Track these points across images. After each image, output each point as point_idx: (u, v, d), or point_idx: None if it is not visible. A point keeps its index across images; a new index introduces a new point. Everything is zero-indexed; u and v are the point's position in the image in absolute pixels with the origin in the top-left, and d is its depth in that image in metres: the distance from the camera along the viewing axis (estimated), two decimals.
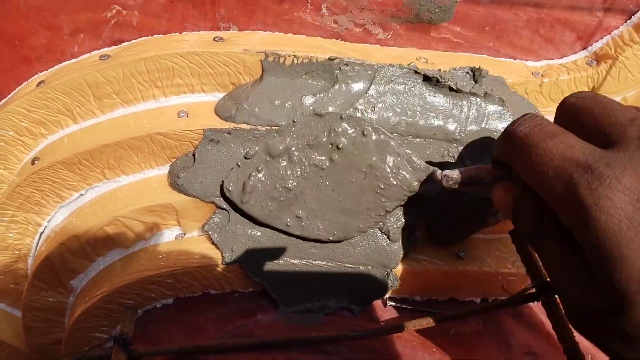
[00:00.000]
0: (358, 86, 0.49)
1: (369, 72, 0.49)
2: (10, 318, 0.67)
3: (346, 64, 0.49)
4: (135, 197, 0.51)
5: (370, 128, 0.47)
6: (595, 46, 0.56)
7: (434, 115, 0.50)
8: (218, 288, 0.55)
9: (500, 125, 0.51)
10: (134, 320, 0.50)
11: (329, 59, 0.49)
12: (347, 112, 0.47)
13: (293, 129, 0.46)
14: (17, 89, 0.55)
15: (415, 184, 0.47)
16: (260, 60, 0.49)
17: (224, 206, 0.51)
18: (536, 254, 0.40)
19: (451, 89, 0.50)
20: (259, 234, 0.52)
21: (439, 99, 0.51)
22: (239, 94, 0.50)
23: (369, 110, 0.49)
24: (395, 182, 0.46)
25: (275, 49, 0.49)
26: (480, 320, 0.57)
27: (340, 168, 0.47)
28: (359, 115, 0.48)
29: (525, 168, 0.32)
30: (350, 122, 0.46)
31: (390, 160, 0.46)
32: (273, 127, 0.49)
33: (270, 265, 0.52)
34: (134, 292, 0.52)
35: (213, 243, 0.52)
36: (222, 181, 0.48)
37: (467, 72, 0.51)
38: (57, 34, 0.51)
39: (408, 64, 0.50)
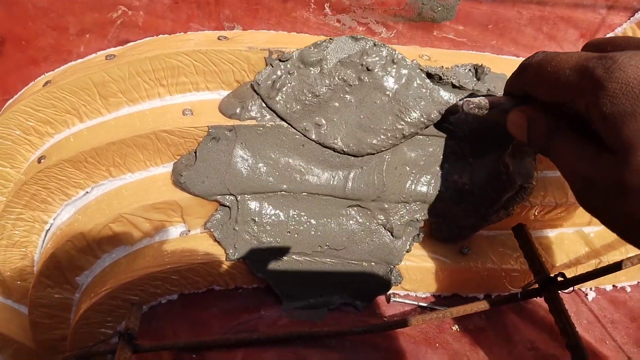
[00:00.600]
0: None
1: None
2: (16, 314, 0.67)
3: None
4: (140, 195, 0.52)
5: (400, 56, 0.48)
6: None
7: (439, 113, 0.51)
8: (222, 284, 0.55)
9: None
10: (139, 315, 0.50)
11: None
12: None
13: (329, 45, 0.48)
14: (24, 89, 0.56)
15: (435, 114, 0.49)
16: (265, 57, 0.49)
17: (227, 203, 0.51)
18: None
19: (454, 86, 0.50)
20: (261, 230, 0.52)
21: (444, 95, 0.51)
22: (243, 91, 0.51)
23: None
24: (415, 109, 0.49)
25: (279, 47, 0.49)
26: (483, 315, 0.57)
27: (367, 88, 0.49)
28: None
29: (543, 81, 0.36)
30: (383, 48, 0.48)
31: (414, 88, 0.49)
32: (277, 122, 0.49)
33: (274, 262, 0.53)
34: (139, 288, 0.53)
35: (216, 240, 0.53)
36: (254, 76, 0.50)
37: (470, 70, 0.51)
38: (64, 35, 0.52)
39: (411, 62, 0.50)
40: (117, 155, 0.51)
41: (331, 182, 0.51)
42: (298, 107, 0.49)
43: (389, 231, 0.53)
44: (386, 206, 0.53)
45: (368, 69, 0.48)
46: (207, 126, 0.49)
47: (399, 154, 0.52)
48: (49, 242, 0.56)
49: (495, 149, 0.52)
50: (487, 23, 0.55)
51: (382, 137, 0.50)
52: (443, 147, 0.52)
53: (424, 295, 0.59)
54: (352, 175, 0.51)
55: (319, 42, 0.48)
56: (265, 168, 0.50)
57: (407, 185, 0.53)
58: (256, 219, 0.51)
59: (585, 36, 0.57)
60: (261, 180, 0.50)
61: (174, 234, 0.55)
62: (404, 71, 0.49)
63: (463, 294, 0.59)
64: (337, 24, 0.53)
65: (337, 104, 0.50)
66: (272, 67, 0.49)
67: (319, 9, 0.52)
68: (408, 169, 0.53)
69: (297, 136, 0.50)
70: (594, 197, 0.32)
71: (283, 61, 0.48)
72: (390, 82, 0.49)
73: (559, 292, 0.46)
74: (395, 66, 0.48)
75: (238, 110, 0.50)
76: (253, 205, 0.51)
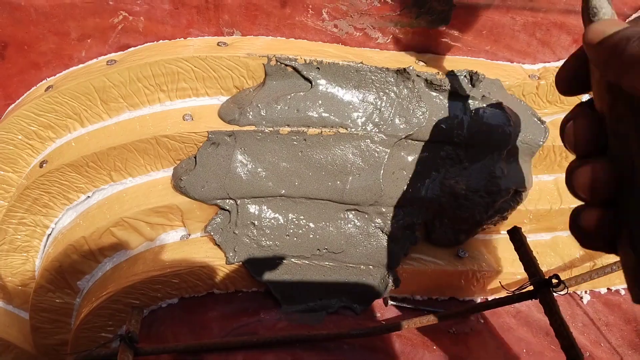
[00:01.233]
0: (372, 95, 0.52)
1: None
2: (17, 319, 0.68)
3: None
4: (141, 199, 0.52)
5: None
6: None
7: (435, 118, 0.52)
8: (222, 288, 0.56)
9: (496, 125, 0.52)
10: (140, 319, 0.51)
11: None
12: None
13: None
14: (26, 94, 0.57)
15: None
16: (263, 64, 0.50)
17: (227, 207, 0.52)
18: None
19: (450, 93, 0.51)
20: (260, 233, 0.53)
21: (441, 102, 0.52)
22: (242, 97, 0.51)
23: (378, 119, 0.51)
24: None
25: (277, 53, 0.50)
26: (480, 318, 0.58)
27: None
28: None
29: None
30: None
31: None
32: (276, 128, 0.50)
33: (273, 265, 0.53)
34: (140, 292, 0.53)
35: (216, 244, 0.53)
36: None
37: (465, 76, 0.52)
38: (65, 40, 0.53)
39: (407, 67, 0.51)
40: (119, 159, 0.52)
41: (329, 187, 0.52)
42: None
43: (387, 234, 0.54)
44: (384, 210, 0.53)
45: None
46: (207, 131, 0.50)
47: (396, 159, 0.53)
48: (51, 247, 0.57)
49: (491, 154, 0.53)
50: (481, 29, 0.55)
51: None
52: (439, 152, 0.53)
53: (421, 299, 0.60)
54: (350, 179, 0.52)
55: None
56: (264, 173, 0.51)
57: (404, 190, 0.53)
58: (256, 222, 0.52)
59: (578, 42, 0.58)
60: (260, 184, 0.51)
61: (174, 237, 0.55)
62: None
63: (460, 296, 0.60)
64: (334, 30, 0.54)
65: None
66: None
67: (316, 14, 0.53)
68: (405, 173, 0.54)
69: (295, 142, 0.51)
70: None
71: None
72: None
73: (554, 294, 0.46)
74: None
75: (237, 116, 0.50)
76: (253, 209, 0.52)
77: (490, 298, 0.60)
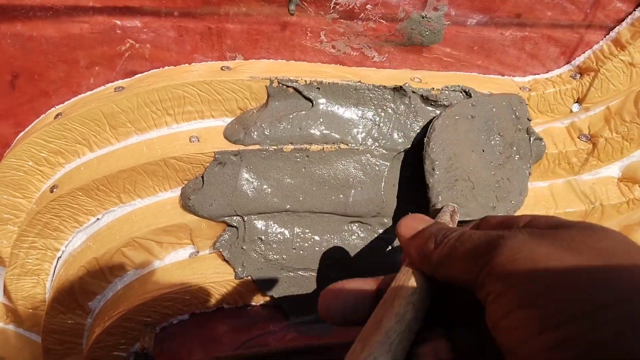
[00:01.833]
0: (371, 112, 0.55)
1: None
2: (28, 342, 0.69)
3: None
4: (151, 219, 0.54)
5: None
6: (578, 60, 0.60)
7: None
8: (231, 302, 0.57)
9: None
10: (153, 336, 0.52)
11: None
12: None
13: None
14: (35, 121, 0.59)
15: None
16: (266, 86, 0.52)
17: (234, 224, 0.54)
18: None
19: (446, 107, 0.53)
20: (267, 248, 0.54)
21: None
22: (246, 118, 0.53)
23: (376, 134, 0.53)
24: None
25: (279, 75, 0.52)
26: None
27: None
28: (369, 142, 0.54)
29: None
30: None
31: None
32: (279, 147, 0.52)
33: (281, 278, 0.55)
34: (152, 309, 0.54)
35: (224, 260, 0.55)
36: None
37: (460, 92, 0.55)
38: (74, 68, 0.55)
39: (403, 84, 0.53)
40: (128, 182, 0.54)
41: (333, 201, 0.54)
42: None
43: (390, 245, 0.56)
44: (385, 221, 0.55)
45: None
46: (214, 152, 0.52)
47: (395, 171, 0.55)
48: (62, 269, 0.58)
49: None
50: (472, 45, 0.58)
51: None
52: None
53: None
54: (352, 193, 0.54)
55: None
56: (270, 189, 0.53)
57: (405, 201, 0.55)
58: (263, 237, 0.54)
59: (566, 53, 0.60)
60: (266, 200, 0.53)
61: (183, 255, 0.57)
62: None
63: None
64: (332, 50, 0.57)
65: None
66: None
67: (315, 36, 0.55)
68: (405, 185, 0.56)
69: (298, 159, 0.53)
70: None
71: None
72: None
73: None
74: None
75: (242, 136, 0.52)
76: (259, 224, 0.54)
77: None
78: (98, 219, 0.58)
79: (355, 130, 0.54)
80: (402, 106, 0.54)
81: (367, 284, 0.32)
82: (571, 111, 0.60)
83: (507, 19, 0.56)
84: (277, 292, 0.55)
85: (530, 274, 0.23)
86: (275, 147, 0.52)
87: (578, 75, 0.59)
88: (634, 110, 0.57)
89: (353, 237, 0.56)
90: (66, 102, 0.57)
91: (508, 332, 0.23)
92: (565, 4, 0.56)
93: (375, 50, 0.57)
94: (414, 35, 0.56)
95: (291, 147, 0.52)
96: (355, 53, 0.57)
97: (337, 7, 0.52)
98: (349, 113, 0.54)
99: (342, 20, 0.54)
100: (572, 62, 0.61)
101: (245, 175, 0.52)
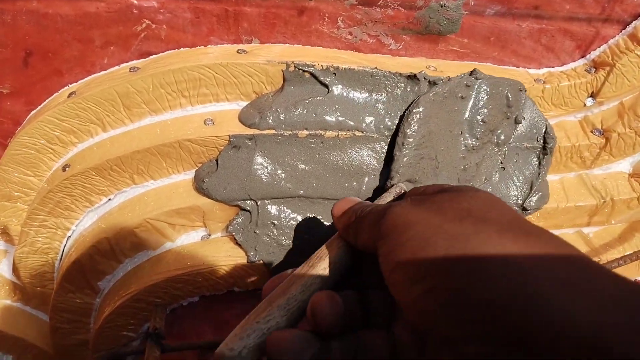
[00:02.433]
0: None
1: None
2: (35, 320, 0.69)
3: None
4: (164, 200, 0.54)
5: None
6: (594, 54, 0.60)
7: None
8: (242, 286, 0.57)
9: None
10: (164, 316, 0.52)
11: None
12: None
13: None
14: (47, 100, 0.58)
15: None
16: (282, 70, 0.52)
17: (247, 208, 0.54)
18: None
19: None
20: (280, 233, 0.54)
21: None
22: (261, 102, 0.53)
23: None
24: None
25: (295, 59, 0.52)
26: None
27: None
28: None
29: None
30: None
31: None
32: (294, 132, 0.52)
33: (292, 263, 0.55)
34: (163, 290, 0.55)
35: (237, 243, 0.55)
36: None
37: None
38: (89, 47, 0.54)
39: (417, 72, 0.53)
40: (142, 163, 0.53)
41: (346, 187, 0.54)
42: None
43: None
44: None
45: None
46: (229, 135, 0.52)
47: None
48: (72, 248, 0.58)
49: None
50: (489, 36, 0.58)
51: None
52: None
53: None
54: (366, 180, 0.54)
55: None
56: (283, 174, 0.53)
57: None
58: (276, 222, 0.54)
59: (581, 47, 0.60)
60: (280, 186, 0.53)
61: (195, 238, 0.57)
62: None
63: None
64: (349, 37, 0.56)
65: None
66: None
67: (332, 22, 0.55)
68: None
69: (312, 145, 0.53)
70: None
71: None
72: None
73: None
74: None
75: (257, 120, 0.52)
76: (273, 209, 0.54)
77: None
78: (110, 199, 0.58)
79: (369, 117, 0.53)
80: (412, 94, 0.54)
81: None
82: (585, 105, 0.60)
83: (525, 10, 0.56)
84: None
85: (403, 235, 0.27)
86: (290, 132, 0.52)
87: (593, 70, 0.59)
88: None
89: None
90: (79, 81, 0.57)
91: (394, 287, 0.27)
92: None
93: (392, 38, 0.57)
94: (432, 24, 0.55)
95: (306, 132, 0.52)
96: (371, 40, 0.57)
97: None
98: (364, 100, 0.54)
99: (360, 6, 0.53)
100: (588, 56, 0.61)
101: (260, 160, 0.52)
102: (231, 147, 0.52)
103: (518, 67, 0.61)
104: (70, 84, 0.57)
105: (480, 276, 0.23)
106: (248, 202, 0.53)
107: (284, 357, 0.28)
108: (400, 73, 0.53)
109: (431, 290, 0.24)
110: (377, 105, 0.54)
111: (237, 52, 0.54)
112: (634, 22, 0.57)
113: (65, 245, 0.61)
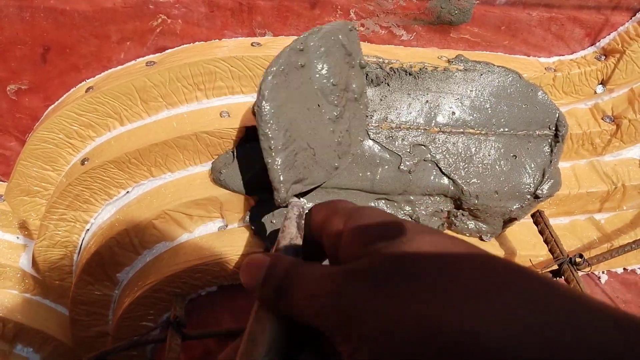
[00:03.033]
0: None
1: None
2: (54, 313, 0.70)
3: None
4: (182, 192, 0.55)
5: None
6: (603, 42, 0.60)
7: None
8: None
9: None
10: (183, 305, 0.53)
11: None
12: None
13: None
14: (65, 95, 0.59)
15: None
16: None
17: (264, 198, 0.55)
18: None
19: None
20: None
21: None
22: None
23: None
24: None
25: None
26: None
27: None
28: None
29: None
30: None
31: None
32: None
33: None
34: (182, 280, 0.56)
35: (254, 233, 0.56)
36: None
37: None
38: (106, 43, 0.55)
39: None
40: (159, 155, 0.54)
41: (360, 178, 0.55)
42: None
43: (416, 221, 0.56)
44: (412, 198, 0.56)
45: None
46: (245, 127, 0.52)
47: None
48: (91, 241, 0.59)
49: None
50: (500, 25, 0.58)
51: None
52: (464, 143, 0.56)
53: None
54: (379, 171, 0.55)
55: None
56: None
57: (431, 179, 0.56)
58: None
59: (591, 35, 0.61)
60: None
61: (212, 229, 0.58)
62: None
63: None
64: (361, 28, 0.57)
65: None
66: None
67: (344, 14, 0.56)
68: (430, 165, 0.56)
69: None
70: None
71: None
72: None
73: (578, 272, 0.49)
74: None
75: None
76: None
77: None
78: (128, 192, 0.59)
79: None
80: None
81: None
82: (595, 92, 0.61)
83: None
84: None
85: (368, 331, 0.23)
86: None
87: (603, 57, 0.60)
88: None
89: None
90: (96, 76, 0.58)
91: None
92: None
93: (404, 29, 0.58)
94: (444, 14, 0.56)
95: None
96: (383, 31, 0.58)
97: None
98: (376, 93, 0.54)
99: None
100: (597, 44, 0.61)
101: None
102: (247, 139, 0.53)
103: (528, 55, 0.61)
104: (88, 79, 0.58)
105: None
106: (264, 192, 0.54)
107: None
108: (402, 66, 0.54)
109: None
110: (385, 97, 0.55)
111: (252, 45, 0.54)
112: None
113: (83, 238, 0.63)
